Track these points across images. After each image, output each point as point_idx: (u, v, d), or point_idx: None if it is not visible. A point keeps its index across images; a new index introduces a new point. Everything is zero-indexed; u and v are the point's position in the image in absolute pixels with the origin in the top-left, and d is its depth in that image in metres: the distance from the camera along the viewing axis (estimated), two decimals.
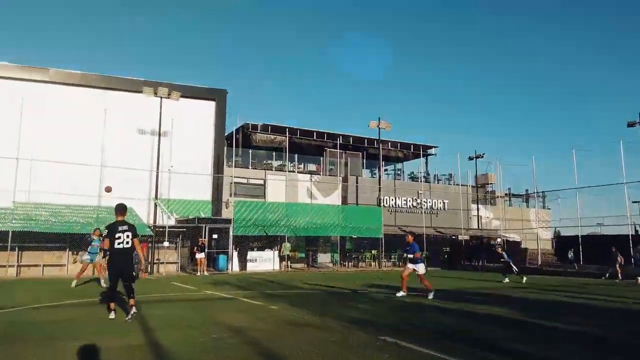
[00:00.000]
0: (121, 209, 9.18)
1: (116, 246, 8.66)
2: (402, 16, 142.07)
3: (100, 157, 26.26)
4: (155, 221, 26.64)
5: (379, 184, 33.61)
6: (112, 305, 8.93)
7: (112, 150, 27.20)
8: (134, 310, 8.69)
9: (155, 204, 26.54)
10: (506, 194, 50.79)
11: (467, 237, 38.45)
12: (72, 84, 27.55)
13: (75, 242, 24.78)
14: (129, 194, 27.03)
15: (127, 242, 8.74)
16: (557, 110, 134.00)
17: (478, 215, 41.80)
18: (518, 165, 77.02)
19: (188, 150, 29.88)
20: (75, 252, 25.39)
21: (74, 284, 16.03)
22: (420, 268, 13.41)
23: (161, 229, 26.37)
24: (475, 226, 41.04)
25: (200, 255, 25.20)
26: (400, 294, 13.30)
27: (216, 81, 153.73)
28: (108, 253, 9.00)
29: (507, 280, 20.59)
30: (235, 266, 27.71)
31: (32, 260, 24.27)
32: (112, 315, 8.78)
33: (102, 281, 15.64)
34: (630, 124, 31.89)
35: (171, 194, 28.17)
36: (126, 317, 8.59)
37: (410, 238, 13.99)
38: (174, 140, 29.11)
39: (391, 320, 9.21)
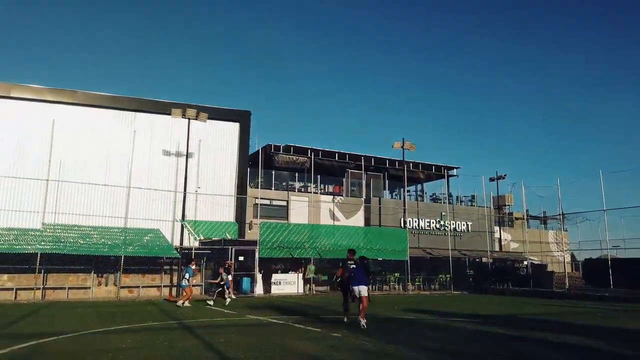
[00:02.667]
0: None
1: None
2: (420, 39, 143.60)
3: (127, 179, 26.14)
4: (181, 242, 26.39)
5: (404, 205, 33.28)
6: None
7: (138, 172, 27.12)
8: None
9: (182, 225, 26.31)
10: (524, 216, 50.28)
11: (490, 260, 37.86)
12: (101, 106, 27.63)
13: (100, 264, 24.57)
14: (155, 215, 26.97)
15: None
16: (581, 133, 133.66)
17: (500, 238, 41.25)
18: (542, 185, 76.57)
19: (213, 172, 29.80)
20: (100, 275, 25.17)
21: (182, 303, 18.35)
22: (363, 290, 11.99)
23: (187, 251, 26.11)
24: (497, 248, 40.46)
25: (229, 278, 24.85)
26: None
27: (238, 102, 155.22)
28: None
29: None
30: (259, 289, 27.30)
31: (58, 282, 24.04)
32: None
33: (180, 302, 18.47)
34: None
35: (197, 216, 27.94)
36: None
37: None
38: (199, 161, 29.06)
39: (475, 350, 8.82)
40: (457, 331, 11.48)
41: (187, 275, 19.21)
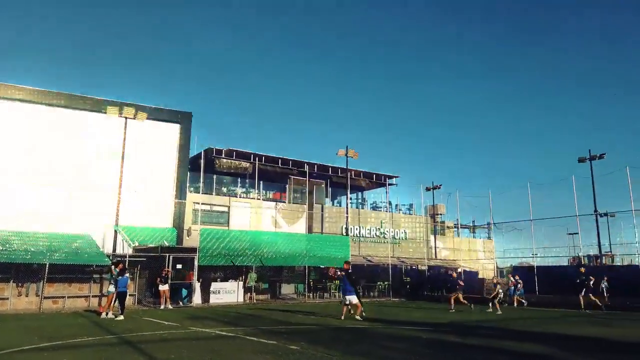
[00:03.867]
0: None
1: None
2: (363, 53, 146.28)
3: (55, 180, 24.16)
4: (114, 249, 24.72)
5: (347, 213, 33.37)
6: None
7: (68, 173, 25.20)
8: None
9: (115, 230, 24.66)
10: (455, 225, 52.25)
11: (425, 267, 38.83)
12: (27, 101, 25.45)
13: (21, 272, 22.38)
14: (86, 220, 25.15)
15: None
16: (513, 146, 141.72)
17: (435, 246, 42.51)
18: (475, 196, 79.95)
19: (150, 175, 28.36)
20: (20, 284, 22.94)
21: (109, 315, 16.96)
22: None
23: (121, 259, 24.46)
24: (432, 256, 41.63)
25: (164, 287, 23.57)
26: None
27: (178, 104, 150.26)
28: None
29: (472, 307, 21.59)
30: (197, 298, 26.13)
31: None
32: None
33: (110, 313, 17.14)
34: (581, 160, 34.04)
35: (132, 221, 26.35)
36: None
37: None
38: (135, 163, 27.49)
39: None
40: (415, 340, 11.40)
41: (112, 281, 17.95)
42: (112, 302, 17.61)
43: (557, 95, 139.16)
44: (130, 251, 25.59)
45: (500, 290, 24.02)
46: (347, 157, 32.11)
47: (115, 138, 26.15)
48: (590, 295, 22.67)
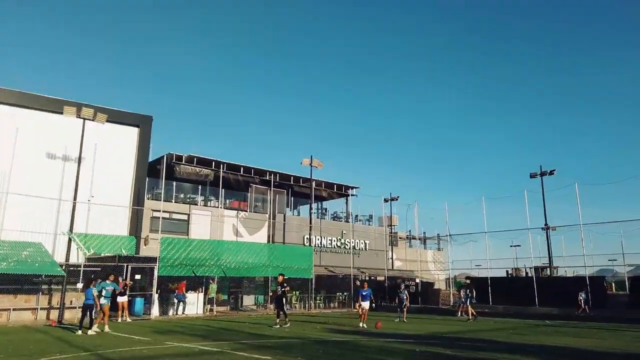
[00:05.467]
0: None
1: None
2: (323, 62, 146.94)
3: (2, 183, 22.39)
4: (67, 259, 23.12)
5: (310, 223, 33.10)
6: None
7: (17, 176, 23.44)
8: None
9: (69, 238, 23.08)
10: (407, 236, 53.26)
11: (382, 278, 39.16)
12: None
13: None
14: (36, 227, 23.48)
15: None
16: (470, 160, 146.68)
17: (392, 257, 43.01)
18: (432, 208, 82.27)
19: (106, 180, 26.93)
20: None
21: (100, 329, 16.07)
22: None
23: (75, 268, 22.96)
24: (390, 267, 42.09)
25: (122, 299, 22.32)
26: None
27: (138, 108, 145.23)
28: None
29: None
30: (155, 310, 24.95)
31: None
32: None
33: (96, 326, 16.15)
34: (532, 175, 35.64)
35: (87, 228, 24.86)
36: None
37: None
38: (90, 167, 26.04)
39: None
40: (406, 354, 11.28)
41: (104, 293, 16.83)
42: (103, 316, 16.70)
43: (511, 111, 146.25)
44: (83, 260, 24.08)
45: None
46: (311, 166, 31.93)
47: (72, 140, 24.65)
48: (463, 305, 24.64)
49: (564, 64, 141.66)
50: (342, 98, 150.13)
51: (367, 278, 37.55)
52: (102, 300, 16.54)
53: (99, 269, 24.35)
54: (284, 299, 19.17)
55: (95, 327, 16.19)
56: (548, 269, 38.53)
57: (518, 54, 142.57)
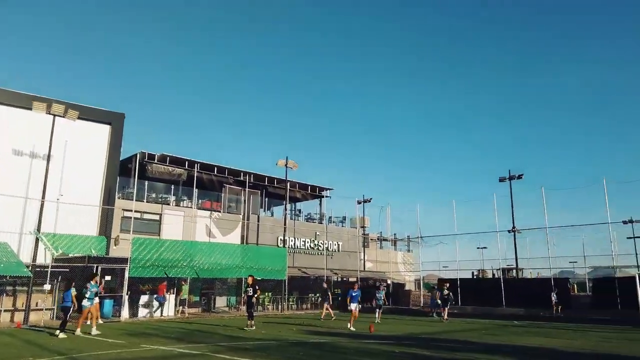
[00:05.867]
0: None
1: None
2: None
3: None
4: (35, 259, 22.38)
5: (285, 224, 33.02)
6: None
7: None
8: None
9: (36, 238, 22.36)
10: (378, 238, 53.85)
11: (354, 279, 39.41)
12: None
13: None
14: (1, 226, 22.68)
15: None
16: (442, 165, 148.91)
17: (364, 258, 43.36)
18: (405, 211, 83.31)
19: (76, 178, 26.22)
20: None
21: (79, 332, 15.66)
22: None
23: (42, 269, 22.24)
24: (362, 268, 42.43)
25: (95, 300, 21.82)
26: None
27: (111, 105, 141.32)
28: None
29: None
30: (125, 312, 24.43)
31: None
32: None
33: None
34: (501, 179, 36.57)
35: (55, 228, 24.13)
36: None
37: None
38: (59, 165, 25.31)
39: None
40: (386, 355, 11.42)
41: (88, 294, 16.45)
42: (85, 317, 16.62)
43: (482, 116, 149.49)
44: (50, 261, 23.35)
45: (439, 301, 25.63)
46: (286, 167, 31.88)
47: (40, 137, 23.94)
48: (326, 304, 24.60)
49: (530, 68, 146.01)
50: (317, 100, 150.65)
51: (340, 279, 37.88)
52: (87, 302, 16.23)
53: (67, 269, 23.71)
54: (253, 301, 18.95)
55: (78, 331, 15.95)
56: (514, 270, 39.64)
57: (490, 58, 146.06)
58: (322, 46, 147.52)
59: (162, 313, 25.08)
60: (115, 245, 27.41)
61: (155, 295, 25.42)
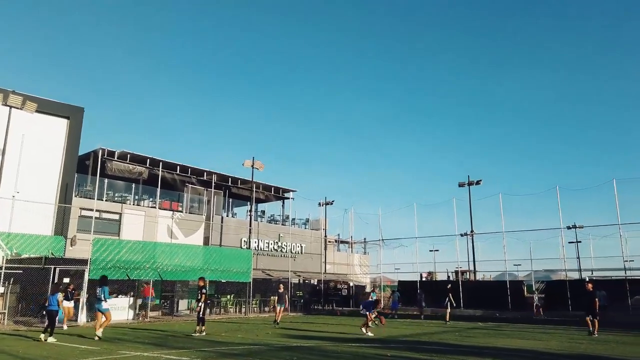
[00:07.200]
0: None
1: None
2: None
3: None
4: None
5: (250, 225, 32.49)
6: None
7: None
8: None
9: None
10: (335, 240, 54.19)
11: (315, 281, 39.46)
12: None
13: None
14: None
15: None
16: (406, 168, 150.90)
17: (326, 260, 43.46)
18: (367, 214, 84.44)
19: (30, 174, 24.68)
20: None
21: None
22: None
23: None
24: (324, 270, 42.50)
25: (69, 304, 20.79)
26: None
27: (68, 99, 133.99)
28: None
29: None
30: (84, 317, 23.18)
31: None
32: None
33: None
34: (461, 184, 37.76)
35: (8, 227, 22.56)
36: None
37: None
38: (16, 160, 23.75)
39: None
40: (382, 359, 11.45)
41: (103, 297, 15.71)
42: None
43: (445, 119, 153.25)
44: (3, 262, 21.81)
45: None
46: (253, 168, 31.42)
47: None
48: (280, 308, 23.68)
49: (490, 74, 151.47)
50: (279, 102, 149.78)
51: (302, 281, 37.78)
52: (106, 305, 15.86)
53: (21, 271, 22.24)
54: (203, 305, 17.18)
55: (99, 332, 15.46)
56: (469, 273, 41.03)
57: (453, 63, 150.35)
58: (288, 46, 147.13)
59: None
60: (72, 245, 26.03)
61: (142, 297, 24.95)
